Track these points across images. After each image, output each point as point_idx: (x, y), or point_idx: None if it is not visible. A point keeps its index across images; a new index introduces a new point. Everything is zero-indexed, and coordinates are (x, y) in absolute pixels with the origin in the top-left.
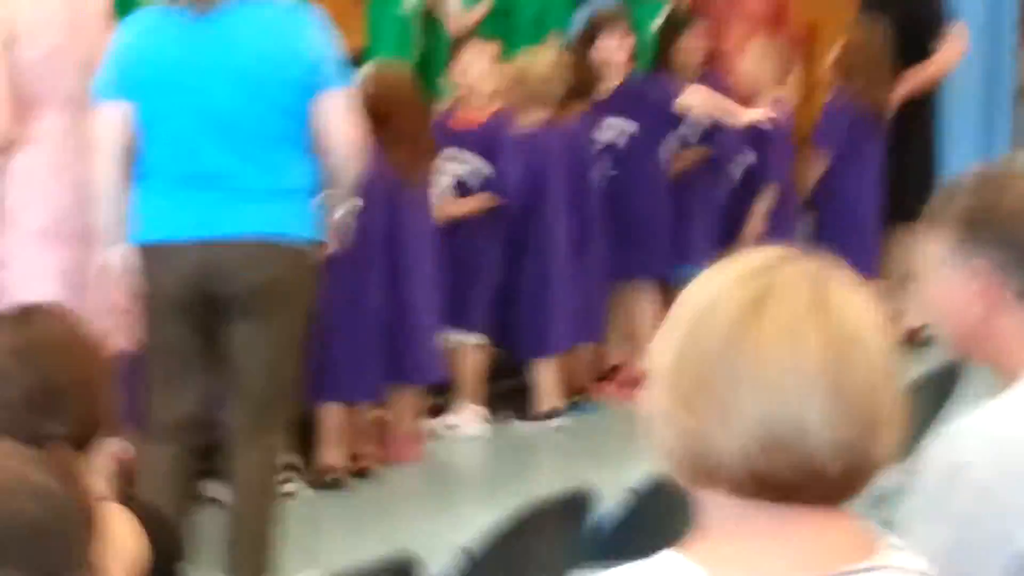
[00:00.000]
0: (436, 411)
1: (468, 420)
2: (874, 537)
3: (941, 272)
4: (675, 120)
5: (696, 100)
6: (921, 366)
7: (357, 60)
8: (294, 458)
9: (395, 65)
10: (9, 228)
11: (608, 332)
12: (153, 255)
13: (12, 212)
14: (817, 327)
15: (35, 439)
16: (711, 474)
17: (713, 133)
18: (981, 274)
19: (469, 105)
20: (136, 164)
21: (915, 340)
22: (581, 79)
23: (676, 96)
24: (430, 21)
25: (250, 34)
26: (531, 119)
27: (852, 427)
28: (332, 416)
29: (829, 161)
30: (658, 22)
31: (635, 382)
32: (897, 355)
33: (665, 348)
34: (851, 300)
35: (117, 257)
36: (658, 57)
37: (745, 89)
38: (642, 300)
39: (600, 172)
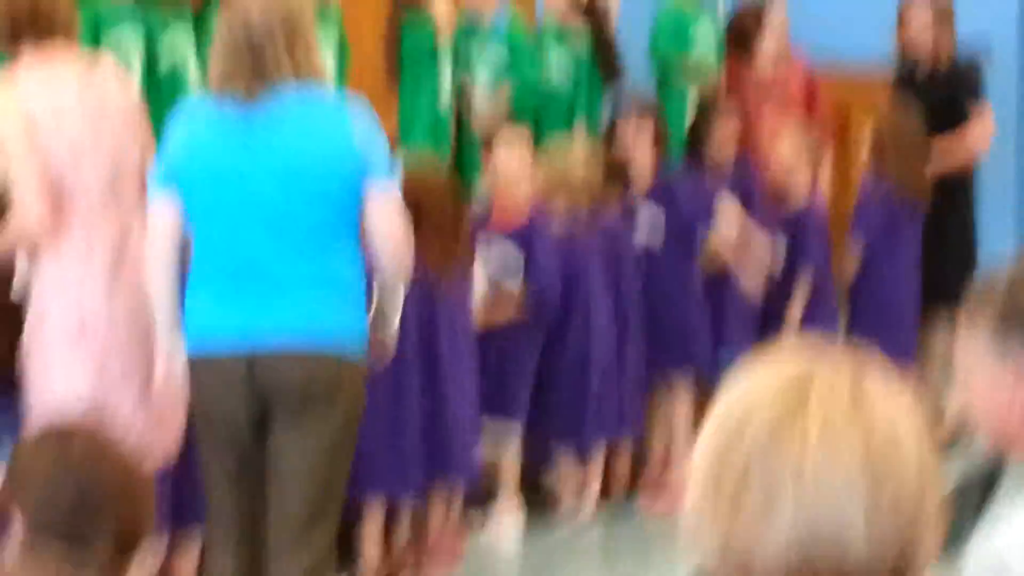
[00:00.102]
0: (474, 503)
1: (505, 521)
2: None
3: (982, 368)
4: (709, 215)
5: (727, 223)
6: (962, 461)
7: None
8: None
9: (428, 159)
10: (37, 329)
11: (647, 428)
12: (203, 368)
13: (40, 313)
14: (857, 429)
15: (81, 543)
16: None
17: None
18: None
19: (505, 201)
20: (186, 260)
21: (956, 434)
22: (615, 173)
23: (708, 192)
24: (462, 115)
25: (298, 127)
26: (567, 215)
27: (893, 529)
28: (371, 515)
29: (866, 248)
30: (690, 110)
31: (673, 483)
32: (938, 454)
33: (706, 449)
34: (892, 400)
35: (176, 365)
36: (690, 146)
37: (779, 176)
38: (679, 396)
39: (636, 267)
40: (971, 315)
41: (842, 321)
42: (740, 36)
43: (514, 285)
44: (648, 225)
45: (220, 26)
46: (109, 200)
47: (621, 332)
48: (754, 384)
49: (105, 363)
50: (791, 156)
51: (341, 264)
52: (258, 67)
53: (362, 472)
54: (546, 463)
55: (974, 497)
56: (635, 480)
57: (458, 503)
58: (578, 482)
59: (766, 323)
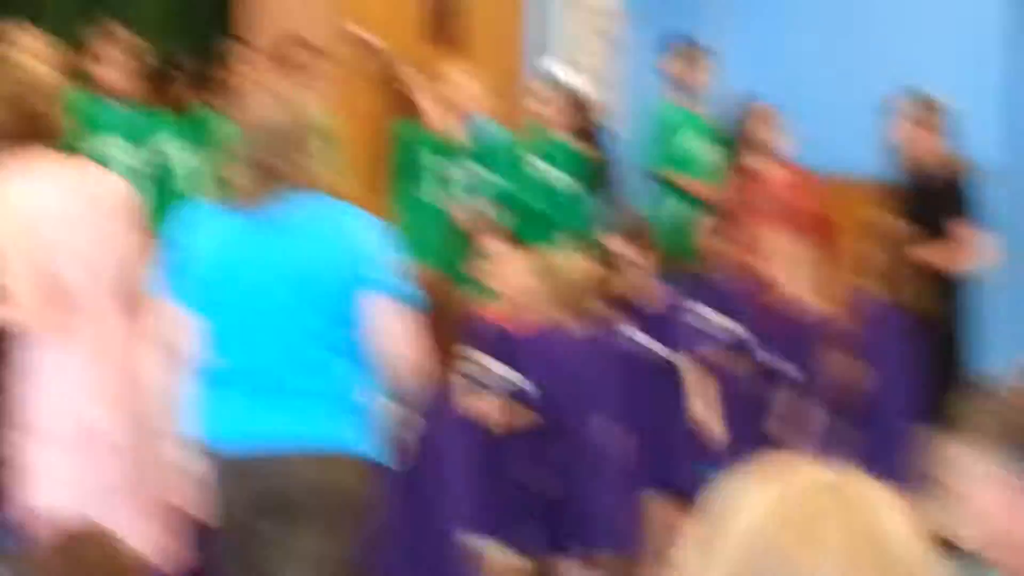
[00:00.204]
0: None
1: None
2: None
3: (979, 484)
4: (698, 332)
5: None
6: None
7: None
8: None
9: (426, 269)
10: (33, 434)
11: (641, 545)
12: (213, 470)
13: (36, 417)
14: (856, 552)
15: None
16: None
17: (744, 331)
18: (1021, 487)
19: (498, 310)
20: (195, 365)
21: (950, 549)
22: (610, 283)
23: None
24: (455, 223)
25: (308, 236)
26: (563, 323)
27: None
28: None
29: (863, 364)
30: (677, 217)
31: None
32: (935, 570)
33: (692, 568)
34: (889, 519)
35: (183, 470)
36: (684, 257)
37: (774, 288)
38: (661, 511)
39: (632, 380)
40: (968, 430)
41: (834, 436)
42: (737, 140)
43: (510, 393)
44: (641, 343)
45: (232, 133)
46: (103, 301)
47: (616, 444)
48: (746, 502)
49: (102, 468)
50: (785, 269)
51: (346, 369)
52: (269, 175)
53: None
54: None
55: None
56: None
57: None
58: None
59: (755, 438)
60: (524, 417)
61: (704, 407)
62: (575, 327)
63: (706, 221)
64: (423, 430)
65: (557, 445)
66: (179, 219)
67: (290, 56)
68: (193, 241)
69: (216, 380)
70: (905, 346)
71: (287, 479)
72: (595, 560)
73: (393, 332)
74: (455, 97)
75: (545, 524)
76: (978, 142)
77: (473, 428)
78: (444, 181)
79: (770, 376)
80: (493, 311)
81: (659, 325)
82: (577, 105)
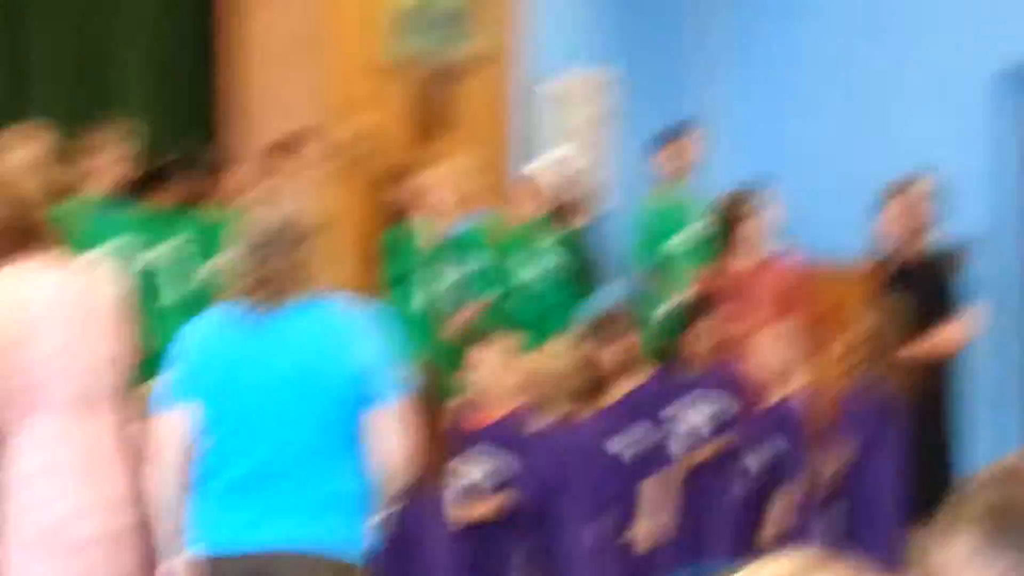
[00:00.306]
0: None
1: None
2: None
3: (961, 568)
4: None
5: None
6: None
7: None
8: None
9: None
10: (3, 536)
11: None
12: (209, 569)
13: (6, 519)
14: None
15: None
16: None
17: (730, 422)
18: (1002, 571)
19: (482, 404)
20: (195, 467)
21: None
22: (593, 377)
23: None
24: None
25: (307, 339)
26: (546, 418)
27: None
28: None
29: (849, 452)
30: (663, 311)
31: None
32: None
33: None
34: None
35: (180, 568)
36: (668, 347)
37: (760, 377)
38: None
39: (614, 472)
40: (952, 519)
41: (825, 528)
42: (725, 230)
43: (494, 484)
44: (625, 440)
45: (235, 237)
46: (87, 399)
47: (601, 540)
48: None
49: (75, 566)
50: (773, 356)
51: (347, 471)
52: (269, 280)
53: None
54: None
55: None
56: None
57: None
58: None
59: (747, 535)
60: (505, 510)
61: (648, 529)
62: (557, 423)
63: (692, 318)
64: (408, 527)
65: (535, 539)
66: (195, 321)
67: (280, 159)
68: (198, 346)
69: (215, 478)
70: (893, 432)
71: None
72: None
73: (390, 439)
74: (442, 194)
75: None
76: (966, 216)
77: (447, 519)
78: (432, 284)
79: (767, 467)
80: (478, 408)
81: (643, 423)
82: (564, 201)
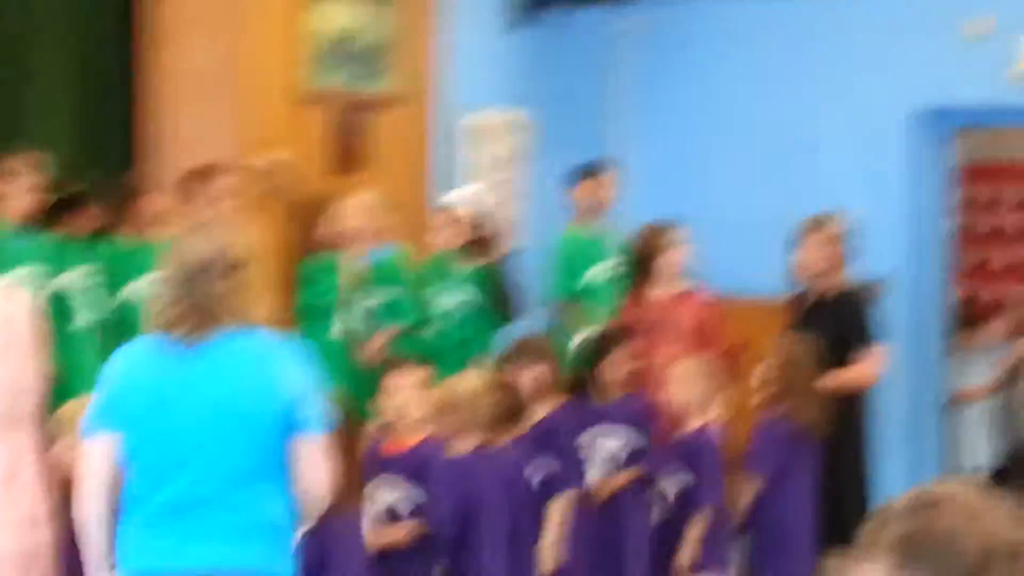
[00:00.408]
0: None
1: None
2: None
3: None
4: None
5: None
6: None
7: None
8: None
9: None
10: None
11: None
12: None
13: None
14: None
15: None
16: None
17: (644, 452)
18: None
19: (398, 430)
20: (121, 495)
21: None
22: (509, 404)
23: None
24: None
25: (234, 368)
26: (461, 445)
27: None
28: None
29: (762, 483)
30: (578, 341)
31: None
32: None
33: None
34: None
35: None
36: (582, 376)
37: (674, 409)
38: None
39: (530, 503)
40: (866, 546)
41: (737, 559)
42: (642, 262)
43: (408, 510)
44: (540, 468)
45: (162, 267)
46: (7, 419)
47: (518, 569)
48: None
49: None
50: (686, 389)
51: (273, 497)
52: (197, 310)
53: None
54: None
55: None
56: None
57: None
58: None
59: (661, 564)
60: (418, 535)
61: (551, 543)
62: (471, 451)
63: (606, 348)
64: (322, 550)
65: (449, 563)
66: (120, 352)
67: (196, 187)
68: (123, 375)
69: (139, 507)
70: (805, 464)
71: None
72: None
73: (316, 467)
74: (358, 225)
75: None
76: (883, 255)
77: (362, 546)
78: (349, 313)
79: (679, 497)
80: (394, 434)
81: (557, 449)
82: (481, 232)
